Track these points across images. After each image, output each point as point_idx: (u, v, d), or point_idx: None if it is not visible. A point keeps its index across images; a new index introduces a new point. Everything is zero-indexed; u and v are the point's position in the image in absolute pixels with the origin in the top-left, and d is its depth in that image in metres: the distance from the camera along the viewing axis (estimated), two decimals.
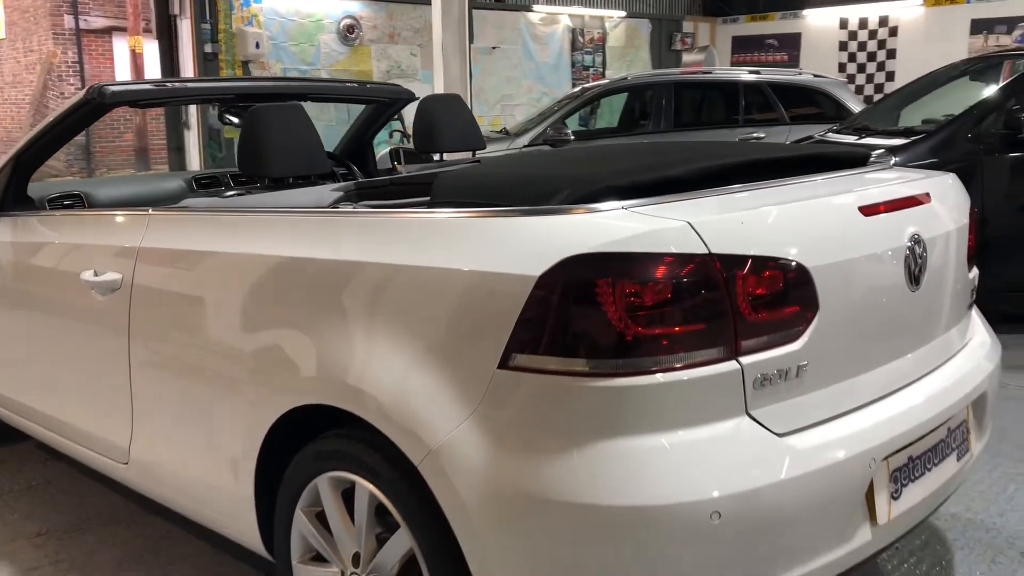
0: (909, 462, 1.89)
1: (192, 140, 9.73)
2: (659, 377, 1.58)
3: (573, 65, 13.20)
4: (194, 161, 9.78)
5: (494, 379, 1.65)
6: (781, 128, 7.77)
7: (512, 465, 1.63)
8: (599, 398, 1.59)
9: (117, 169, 17.11)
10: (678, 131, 7.89)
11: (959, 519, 2.90)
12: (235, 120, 3.38)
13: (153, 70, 14.27)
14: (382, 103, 3.83)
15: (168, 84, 3.13)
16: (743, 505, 1.58)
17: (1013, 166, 4.67)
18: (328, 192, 2.65)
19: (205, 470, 2.29)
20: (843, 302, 1.78)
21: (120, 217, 2.66)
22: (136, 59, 16.99)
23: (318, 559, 2.10)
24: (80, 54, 17.49)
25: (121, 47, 17.55)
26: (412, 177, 2.39)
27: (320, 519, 2.05)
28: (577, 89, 8.68)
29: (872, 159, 2.44)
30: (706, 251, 1.60)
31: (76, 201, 3.43)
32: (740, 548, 1.60)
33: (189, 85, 3.26)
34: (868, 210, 1.88)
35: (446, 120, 3.33)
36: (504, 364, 1.65)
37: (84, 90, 2.95)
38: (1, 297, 3.12)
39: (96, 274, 2.58)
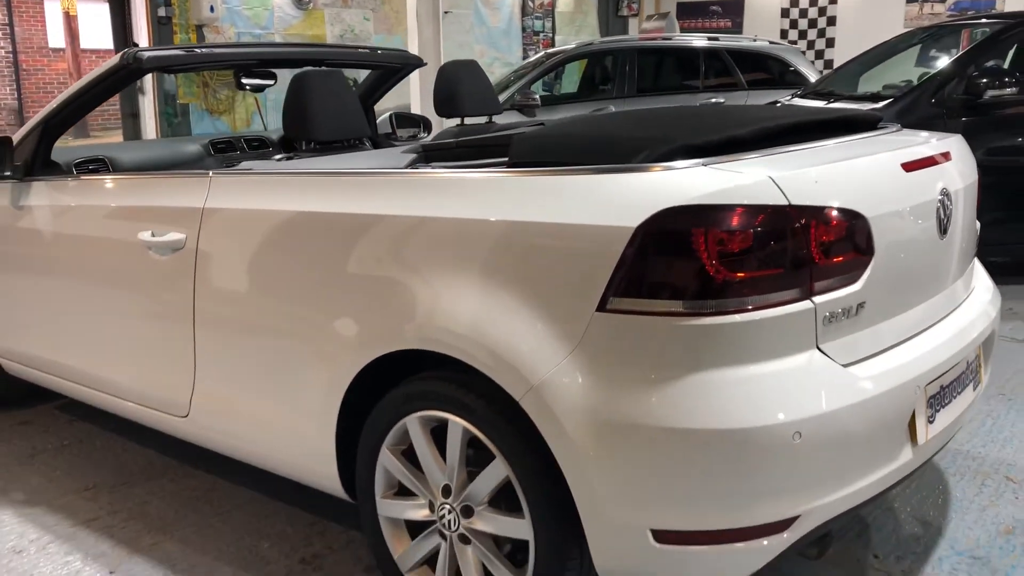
0: (941, 390, 2.14)
1: (147, 106, 9.58)
2: (746, 316, 1.78)
3: (524, 30, 13.28)
4: (150, 127, 9.64)
5: (593, 321, 1.84)
6: (739, 93, 8.04)
7: (611, 396, 1.82)
8: (692, 335, 1.78)
9: None
10: (640, 96, 8.09)
11: (948, 451, 3.19)
12: (253, 84, 3.48)
13: (100, 33, 13.88)
14: (391, 68, 3.95)
15: (196, 50, 3.20)
16: (819, 426, 1.80)
17: (972, 129, 4.99)
18: (400, 155, 2.79)
19: (282, 420, 2.43)
20: (891, 248, 2.01)
21: (178, 179, 2.74)
22: (70, 21, 16.53)
23: (401, 493, 2.27)
24: (10, 16, 16.91)
25: (53, 9, 17.01)
26: (475, 140, 2.54)
27: (407, 456, 2.22)
28: (541, 54, 8.81)
29: (882, 122, 2.68)
30: (787, 202, 1.80)
31: (101, 165, 3.49)
32: (816, 464, 1.82)
33: (216, 51, 3.33)
34: (908, 166, 2.11)
35: (466, 86, 3.48)
36: (602, 307, 1.83)
37: (118, 55, 3.02)
38: (39, 259, 3.18)
39: (155, 235, 2.68)
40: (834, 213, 1.87)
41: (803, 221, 1.82)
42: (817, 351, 1.87)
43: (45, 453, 3.41)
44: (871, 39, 6.47)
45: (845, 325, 1.91)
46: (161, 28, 9.69)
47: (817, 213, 1.84)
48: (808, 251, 1.83)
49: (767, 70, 8.34)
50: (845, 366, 1.90)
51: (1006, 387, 3.77)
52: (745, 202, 1.78)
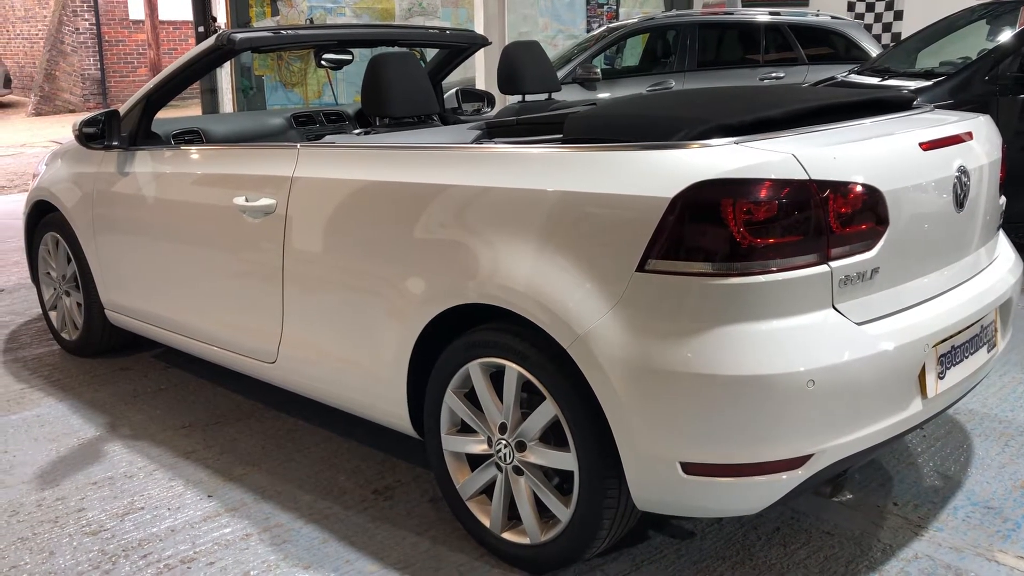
0: (952, 350, 2.35)
1: (225, 79, 10.01)
2: (768, 277, 2.03)
3: (588, 3, 13.41)
4: (227, 100, 10.07)
5: (632, 279, 2.10)
6: (800, 68, 8.13)
7: (647, 346, 2.08)
8: (720, 293, 2.04)
9: None
10: (700, 71, 8.22)
11: (976, 414, 3.39)
12: (332, 62, 3.78)
13: (178, 4, 14.35)
14: (458, 48, 4.22)
15: (283, 32, 3.51)
16: (831, 376, 2.04)
17: None
18: (466, 131, 3.07)
19: (360, 366, 2.74)
20: (906, 220, 2.23)
21: (269, 151, 3.06)
22: None
23: (463, 430, 2.57)
24: None
25: None
26: (533, 118, 2.81)
27: (468, 397, 2.52)
28: (603, 28, 8.98)
29: (916, 103, 2.87)
30: (807, 177, 2.04)
31: (195, 136, 3.84)
32: (828, 408, 2.06)
33: (300, 32, 3.64)
34: (926, 146, 2.32)
35: (528, 65, 3.74)
36: (641, 268, 2.09)
37: (214, 36, 3.34)
38: (142, 220, 3.55)
39: (248, 200, 3.01)
40: (850, 187, 2.09)
41: (822, 194, 2.05)
42: (832, 310, 2.10)
43: (145, 395, 3.80)
44: (940, 11, 6.48)
45: (860, 287, 2.14)
46: (237, 1, 10.10)
47: (835, 187, 2.07)
48: (826, 221, 2.06)
49: (829, 45, 8.39)
50: (859, 324, 2.13)
51: None
52: (769, 176, 2.02)
